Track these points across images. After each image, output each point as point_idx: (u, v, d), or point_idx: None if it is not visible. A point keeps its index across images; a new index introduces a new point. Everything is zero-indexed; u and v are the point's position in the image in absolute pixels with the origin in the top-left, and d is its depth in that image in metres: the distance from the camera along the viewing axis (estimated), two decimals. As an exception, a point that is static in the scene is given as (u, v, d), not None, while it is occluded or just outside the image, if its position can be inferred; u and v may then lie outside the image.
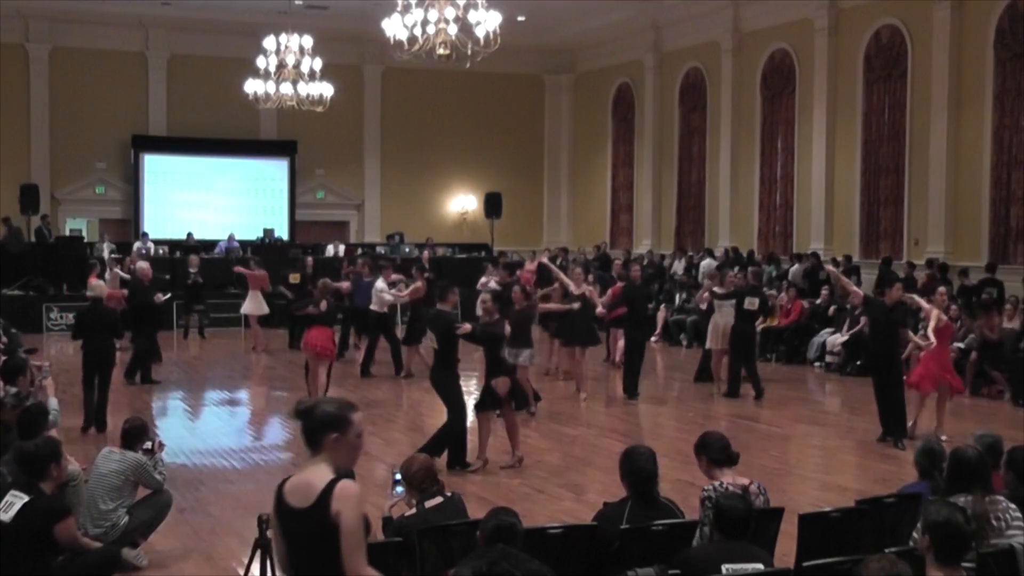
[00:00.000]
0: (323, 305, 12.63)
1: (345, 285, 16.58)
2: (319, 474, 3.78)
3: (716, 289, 14.17)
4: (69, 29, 24.68)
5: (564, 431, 11.94)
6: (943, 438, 10.45)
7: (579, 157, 29.33)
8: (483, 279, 19.12)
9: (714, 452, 5.85)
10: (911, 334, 11.77)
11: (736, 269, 16.59)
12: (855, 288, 12.94)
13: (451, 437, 9.81)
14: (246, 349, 18.45)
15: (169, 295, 16.71)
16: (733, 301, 13.76)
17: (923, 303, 11.76)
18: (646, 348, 14.71)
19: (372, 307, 15.65)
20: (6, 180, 23.47)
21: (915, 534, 4.47)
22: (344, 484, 3.74)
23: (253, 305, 18.44)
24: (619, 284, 16.43)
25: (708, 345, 14.45)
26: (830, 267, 14.85)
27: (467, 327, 9.96)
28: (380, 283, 15.67)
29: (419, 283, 15.56)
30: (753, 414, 12.86)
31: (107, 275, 18.05)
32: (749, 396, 13.73)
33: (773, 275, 19.95)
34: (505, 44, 13.65)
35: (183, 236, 24.64)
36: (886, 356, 11.14)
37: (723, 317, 13.87)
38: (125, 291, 16.15)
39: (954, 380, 11.54)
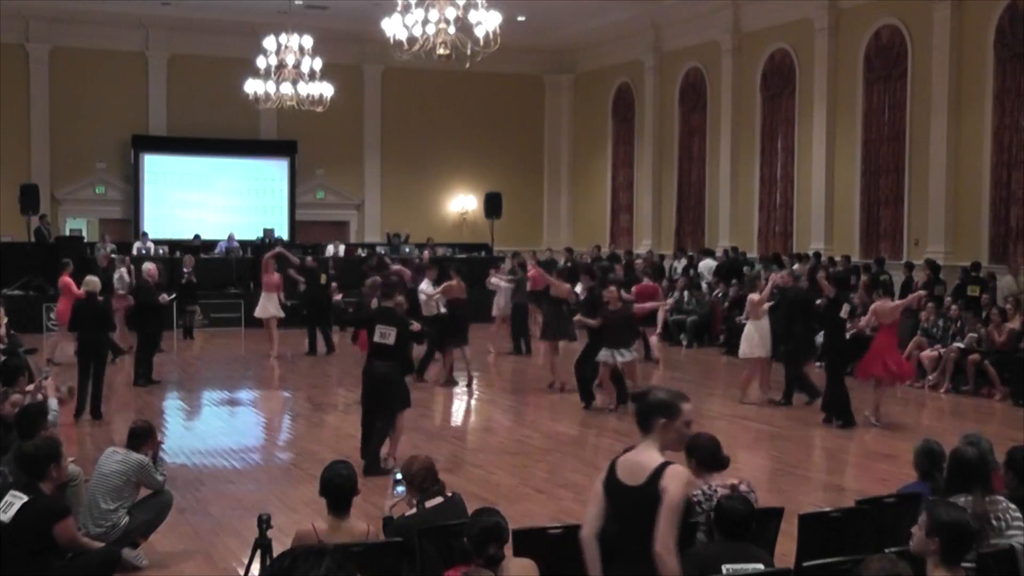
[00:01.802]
0: (375, 304, 12.53)
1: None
2: (650, 455, 4.16)
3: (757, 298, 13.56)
4: (69, 29, 24.68)
5: (564, 431, 11.94)
6: (873, 420, 11.85)
7: (579, 157, 29.34)
8: (492, 279, 19.17)
9: (703, 455, 5.77)
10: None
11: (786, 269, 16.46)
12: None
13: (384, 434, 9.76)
14: (266, 353, 17.71)
15: (175, 296, 16.63)
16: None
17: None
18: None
19: (424, 312, 14.92)
20: (6, 180, 23.47)
21: (914, 531, 4.46)
22: (676, 466, 4.16)
23: (269, 308, 17.56)
24: (645, 283, 16.59)
25: (761, 353, 13.34)
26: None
27: (417, 325, 10.26)
28: (424, 285, 15.43)
29: (453, 282, 14.92)
30: (753, 414, 12.85)
31: (116, 276, 18.01)
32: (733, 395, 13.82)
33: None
34: (505, 44, 13.62)
35: (183, 236, 24.65)
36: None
37: (765, 322, 13.38)
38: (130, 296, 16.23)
39: (900, 367, 12.23)
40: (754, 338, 13.32)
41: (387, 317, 9.82)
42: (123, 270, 18.35)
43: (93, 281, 12.64)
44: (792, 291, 13.84)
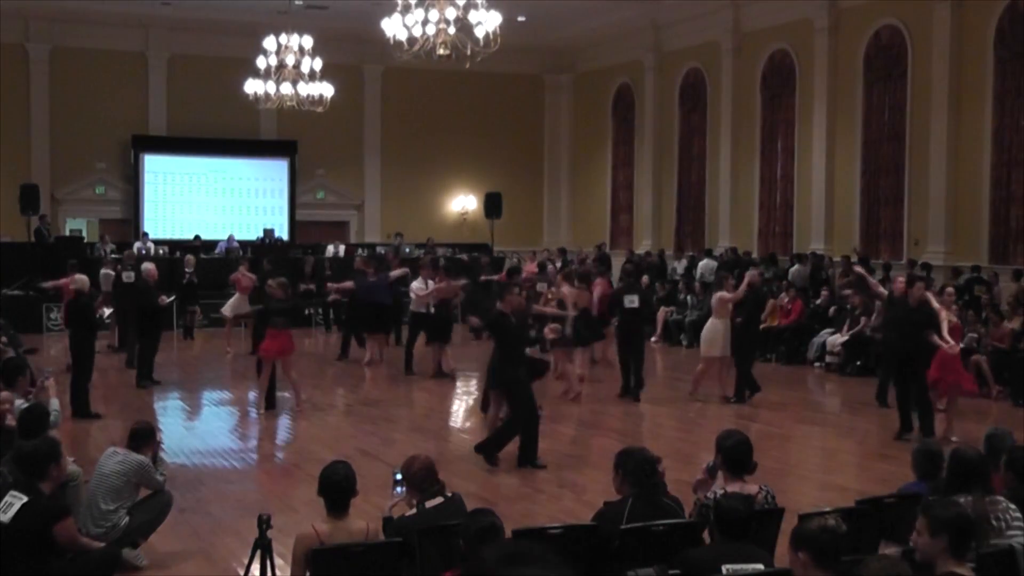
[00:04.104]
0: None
1: (348, 284, 16.78)
2: None
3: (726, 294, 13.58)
4: (69, 29, 24.67)
5: (563, 431, 11.94)
6: (953, 439, 10.55)
7: (579, 157, 29.33)
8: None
9: (730, 455, 5.74)
10: (936, 338, 11.11)
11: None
12: (880, 289, 12.86)
13: (520, 433, 9.98)
14: (227, 349, 18.20)
15: (174, 297, 16.66)
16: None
17: (935, 304, 11.49)
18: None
19: (412, 308, 15.82)
20: (6, 180, 23.46)
21: (914, 540, 4.46)
22: None
23: (233, 307, 18.33)
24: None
25: (724, 352, 13.36)
26: (858, 268, 14.34)
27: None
28: (416, 283, 15.72)
29: (442, 284, 15.45)
30: (753, 414, 12.85)
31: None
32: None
33: (768, 275, 19.96)
34: (505, 44, 13.62)
35: (183, 236, 24.66)
36: (911, 357, 11.10)
37: (725, 321, 13.40)
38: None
39: (964, 381, 11.47)
40: (723, 336, 13.23)
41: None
42: (107, 270, 18.53)
43: (81, 280, 12.73)
44: (757, 290, 14.29)
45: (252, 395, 15.14)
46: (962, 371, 11.63)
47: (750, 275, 14.16)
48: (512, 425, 9.97)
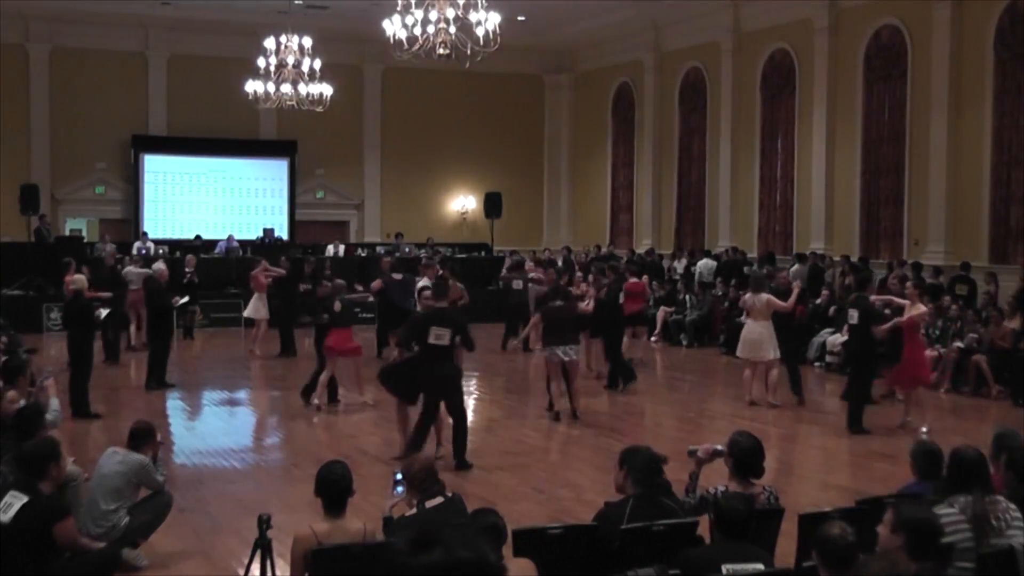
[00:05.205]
0: (336, 306, 12.68)
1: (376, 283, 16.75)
2: None
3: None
4: (69, 29, 24.68)
5: (564, 431, 11.94)
6: (909, 420, 11.61)
7: (579, 157, 29.34)
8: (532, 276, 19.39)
9: (741, 458, 5.72)
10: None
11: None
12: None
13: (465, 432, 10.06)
14: (248, 352, 18.07)
15: (188, 298, 16.58)
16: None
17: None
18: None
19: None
20: (6, 180, 23.47)
21: (879, 530, 4.49)
22: None
23: (261, 310, 18.03)
24: (632, 280, 16.64)
25: (775, 354, 13.15)
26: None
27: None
28: (422, 284, 15.70)
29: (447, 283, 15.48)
30: (753, 414, 12.84)
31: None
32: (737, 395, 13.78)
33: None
34: (505, 44, 13.63)
35: (183, 236, 24.66)
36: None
37: (769, 323, 13.17)
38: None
39: (920, 372, 11.94)
40: (771, 339, 13.06)
41: (441, 318, 9.89)
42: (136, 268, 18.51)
43: (80, 280, 12.72)
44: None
45: (245, 395, 15.15)
46: (921, 364, 12.02)
47: (797, 285, 14.40)
48: (460, 425, 10.02)
